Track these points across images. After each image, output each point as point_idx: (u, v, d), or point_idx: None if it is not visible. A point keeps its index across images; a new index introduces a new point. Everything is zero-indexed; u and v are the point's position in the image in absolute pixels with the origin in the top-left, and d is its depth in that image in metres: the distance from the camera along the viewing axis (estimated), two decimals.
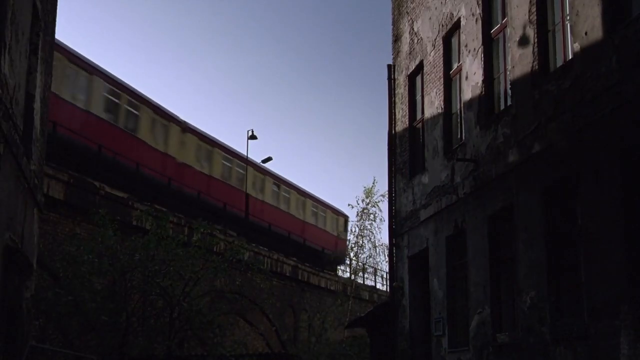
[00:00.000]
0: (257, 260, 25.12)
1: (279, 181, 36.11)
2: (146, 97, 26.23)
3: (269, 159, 34.82)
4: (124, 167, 23.73)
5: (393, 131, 16.25)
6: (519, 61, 10.73)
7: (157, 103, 26.91)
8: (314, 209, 39.92)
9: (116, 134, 23.93)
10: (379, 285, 42.65)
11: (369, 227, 35.26)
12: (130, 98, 25.00)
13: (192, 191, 27.82)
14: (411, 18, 15.63)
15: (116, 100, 24.30)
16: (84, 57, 22.87)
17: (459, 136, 13.04)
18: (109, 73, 24.20)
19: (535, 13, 10.35)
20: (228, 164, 31.27)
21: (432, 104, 14.09)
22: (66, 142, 20.99)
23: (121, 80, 24.85)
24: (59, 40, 20.55)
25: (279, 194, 35.93)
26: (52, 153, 17.09)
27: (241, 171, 32.36)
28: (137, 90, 25.70)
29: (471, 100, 12.30)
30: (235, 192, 31.41)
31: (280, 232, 34.37)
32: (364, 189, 33.70)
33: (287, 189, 36.90)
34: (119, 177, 22.57)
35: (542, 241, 9.85)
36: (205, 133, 30.07)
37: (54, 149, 18.38)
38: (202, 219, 19.98)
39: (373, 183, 36.43)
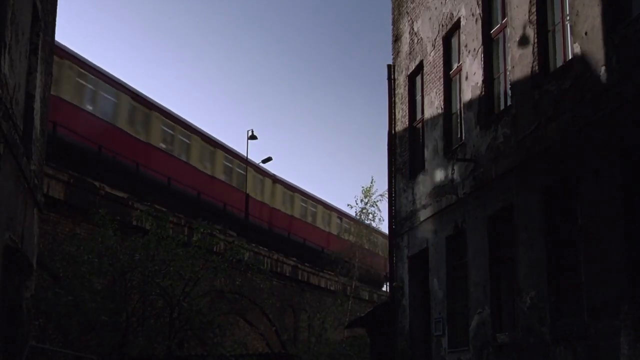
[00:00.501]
0: (257, 260, 25.12)
1: (342, 215, 42.30)
2: (248, 158, 33.39)
3: (268, 159, 34.83)
4: (235, 216, 30.88)
5: (393, 131, 16.25)
6: (519, 61, 10.73)
7: (255, 162, 34.18)
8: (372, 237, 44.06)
9: (233, 193, 31.70)
10: None
11: None
12: (240, 162, 32.78)
13: (282, 231, 35.30)
14: (411, 18, 15.63)
15: (230, 165, 32.15)
16: (225, 145, 31.64)
17: (459, 136, 13.03)
18: (226, 145, 31.83)
19: (535, 13, 10.35)
20: (304, 205, 39.17)
21: (432, 104, 14.09)
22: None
23: (233, 148, 32.63)
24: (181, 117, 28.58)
25: (341, 226, 42.23)
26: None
27: (313, 209, 40.13)
28: (240, 153, 33.06)
29: (471, 101, 12.30)
30: (311, 227, 39.25)
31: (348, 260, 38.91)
32: (362, 188, 33.79)
33: (349, 221, 42.27)
34: (233, 224, 28.37)
35: (542, 241, 9.85)
36: (288, 181, 37.50)
37: (174, 200, 25.29)
38: (202, 219, 19.99)
39: (371, 182, 36.35)
